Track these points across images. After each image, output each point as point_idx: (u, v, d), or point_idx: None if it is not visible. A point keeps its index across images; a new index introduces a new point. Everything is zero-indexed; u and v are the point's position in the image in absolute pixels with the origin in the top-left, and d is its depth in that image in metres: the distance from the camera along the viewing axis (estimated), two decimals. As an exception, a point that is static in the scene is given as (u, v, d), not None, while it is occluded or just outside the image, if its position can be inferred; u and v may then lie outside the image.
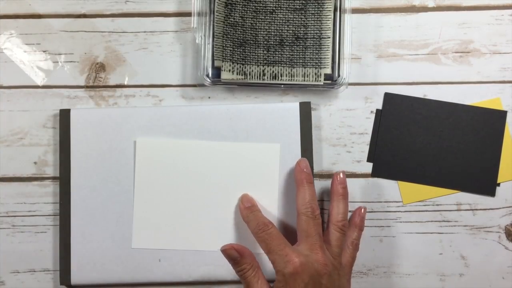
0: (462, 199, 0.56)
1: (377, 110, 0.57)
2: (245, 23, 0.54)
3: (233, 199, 0.55)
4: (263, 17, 0.54)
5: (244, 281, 0.49)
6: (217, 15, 0.54)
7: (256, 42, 0.54)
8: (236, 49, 0.54)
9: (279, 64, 0.54)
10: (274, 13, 0.54)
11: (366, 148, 0.57)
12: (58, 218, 0.55)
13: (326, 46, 0.55)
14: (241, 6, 0.54)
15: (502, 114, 0.57)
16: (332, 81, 0.55)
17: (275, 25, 0.54)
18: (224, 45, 0.54)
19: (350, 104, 0.57)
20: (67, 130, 0.56)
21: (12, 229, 0.56)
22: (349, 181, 0.56)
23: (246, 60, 0.54)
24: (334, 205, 0.52)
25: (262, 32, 0.54)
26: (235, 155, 0.55)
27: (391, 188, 0.56)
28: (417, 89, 0.57)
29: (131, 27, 0.58)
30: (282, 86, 0.55)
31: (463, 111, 0.57)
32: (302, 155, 0.55)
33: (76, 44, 0.58)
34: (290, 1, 0.54)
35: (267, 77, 0.54)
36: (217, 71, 0.55)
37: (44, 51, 0.58)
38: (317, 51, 0.54)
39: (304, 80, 0.54)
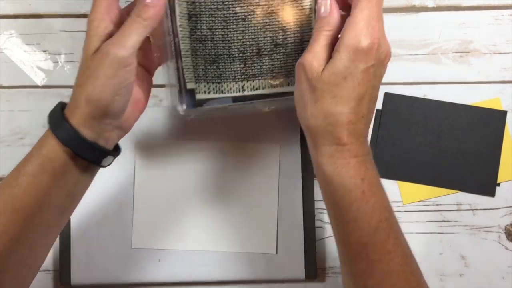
0: (462, 199, 0.56)
1: (377, 110, 0.57)
2: (215, 36, 0.46)
3: (233, 199, 0.55)
4: (234, 26, 0.46)
5: (313, 37, 0.41)
6: (181, 31, 0.46)
7: (231, 55, 0.46)
8: (209, 67, 0.47)
9: (259, 77, 0.47)
10: (246, 19, 0.46)
11: (366, 148, 0.57)
12: (58, 218, 0.55)
13: None
14: (207, 16, 0.46)
15: (502, 114, 0.57)
16: None
17: (250, 33, 0.46)
18: (195, 64, 0.47)
19: (350, 104, 0.57)
20: (67, 130, 0.55)
21: (12, 229, 0.56)
22: (349, 181, 0.56)
23: (222, 78, 0.47)
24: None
25: (235, 44, 0.46)
26: (235, 155, 0.55)
27: (391, 188, 0.56)
28: (417, 89, 0.57)
29: (131, 27, 0.58)
30: (268, 107, 0.48)
31: (463, 111, 0.57)
32: (302, 156, 0.55)
33: (76, 44, 0.58)
34: (264, 3, 0.46)
35: (247, 92, 0.47)
36: (191, 94, 0.47)
37: (44, 51, 0.58)
38: (299, 56, 0.46)
39: (289, 89, 0.47)
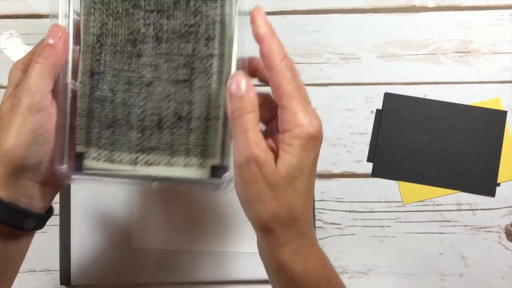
0: (462, 199, 0.56)
1: (377, 110, 0.57)
2: (115, 98, 0.42)
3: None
4: (137, 91, 0.43)
5: (240, 124, 0.38)
6: (81, 88, 0.42)
7: (129, 122, 0.42)
8: (103, 131, 0.43)
9: (156, 151, 0.43)
10: (151, 85, 0.43)
11: (366, 148, 0.57)
12: (58, 218, 0.55)
13: (215, 130, 0.42)
14: (111, 76, 0.43)
15: (502, 114, 0.57)
16: (218, 176, 0.42)
17: (153, 101, 0.43)
18: (89, 125, 0.43)
19: (350, 104, 0.57)
20: (67, 130, 0.55)
21: (12, 229, 0.56)
22: (349, 181, 0.57)
23: (116, 145, 0.43)
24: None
25: (136, 110, 0.43)
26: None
27: (391, 188, 0.56)
28: (417, 89, 0.57)
29: (131, 27, 0.58)
30: (157, 182, 0.43)
31: (463, 111, 0.57)
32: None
33: (76, 44, 0.58)
34: (172, 71, 0.43)
35: (139, 166, 0.43)
36: (78, 157, 0.43)
37: (44, 51, 0.58)
38: (203, 135, 0.43)
39: (185, 172, 0.43)
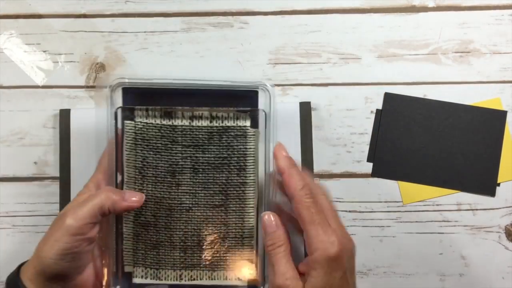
0: (462, 199, 0.56)
1: (377, 110, 0.57)
2: (158, 223, 0.48)
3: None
4: (178, 216, 0.48)
5: (272, 257, 0.43)
6: (126, 215, 0.48)
7: (172, 243, 0.48)
8: (149, 252, 0.48)
9: (198, 267, 0.48)
10: (191, 210, 0.48)
11: (366, 148, 0.57)
12: (58, 218, 0.55)
13: (250, 247, 0.49)
14: (153, 203, 0.48)
15: (502, 114, 0.57)
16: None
17: (192, 224, 0.48)
18: (135, 247, 0.48)
19: (350, 104, 0.57)
20: (67, 130, 0.55)
21: (12, 229, 0.56)
22: (349, 181, 0.57)
23: (161, 264, 0.48)
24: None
25: (178, 233, 0.48)
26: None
27: (391, 188, 0.56)
28: (417, 89, 0.57)
29: (131, 27, 0.58)
30: None
31: (463, 111, 0.57)
32: (302, 155, 0.55)
33: (76, 44, 0.58)
34: (209, 197, 0.48)
35: (185, 281, 0.48)
36: (127, 277, 0.49)
37: (44, 51, 0.58)
38: (239, 253, 0.49)
39: (226, 282, 0.49)
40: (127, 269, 0.48)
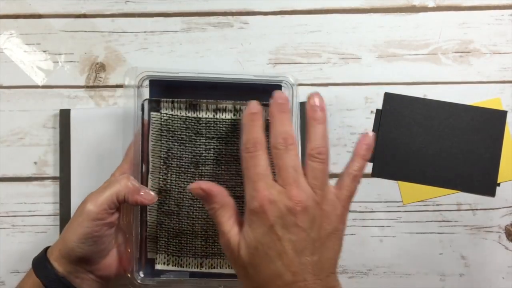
0: (462, 199, 0.56)
1: (377, 110, 0.57)
2: (181, 212, 0.49)
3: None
4: (200, 206, 0.49)
5: (215, 220, 0.43)
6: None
7: (194, 232, 0.49)
8: (171, 240, 0.50)
9: (218, 256, 0.50)
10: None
11: (366, 148, 0.57)
12: (58, 218, 0.55)
13: None
14: (176, 193, 0.49)
15: (502, 114, 0.57)
16: None
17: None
18: (158, 235, 0.50)
19: (350, 104, 0.57)
20: (67, 130, 0.56)
21: (12, 229, 0.56)
22: (349, 181, 0.56)
23: (183, 252, 0.50)
24: (309, 131, 0.45)
25: (200, 222, 0.49)
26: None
27: (391, 188, 0.56)
28: (417, 89, 0.57)
29: (131, 27, 0.58)
30: (222, 286, 0.51)
31: (463, 111, 0.57)
32: (302, 155, 0.55)
33: (76, 44, 0.58)
34: (230, 189, 0.49)
35: (205, 269, 0.50)
36: (150, 263, 0.50)
37: (44, 51, 0.58)
38: None
39: None
40: (150, 255, 0.50)
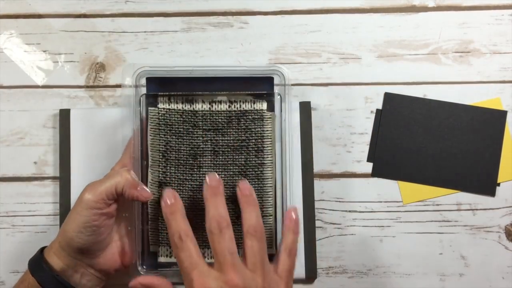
0: (462, 199, 0.56)
1: (377, 110, 0.57)
2: (183, 203, 0.48)
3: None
4: (200, 197, 0.49)
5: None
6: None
7: (195, 223, 0.48)
8: None
9: None
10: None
11: (366, 148, 0.57)
12: (58, 218, 0.55)
13: (269, 224, 0.51)
14: (176, 185, 0.50)
15: (502, 114, 0.57)
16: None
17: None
18: (160, 228, 0.50)
19: (350, 104, 0.57)
20: (67, 130, 0.55)
21: (12, 229, 0.56)
22: (349, 181, 0.57)
23: None
24: (243, 211, 0.46)
25: (200, 213, 0.49)
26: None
27: (391, 188, 0.56)
28: (417, 89, 0.57)
29: (131, 27, 0.58)
30: None
31: (463, 111, 0.57)
32: (302, 155, 0.55)
33: (76, 44, 0.58)
34: (229, 178, 0.50)
35: (207, 260, 0.50)
36: (153, 256, 0.51)
37: (44, 51, 0.58)
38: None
39: None
40: (152, 248, 0.50)
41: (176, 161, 0.50)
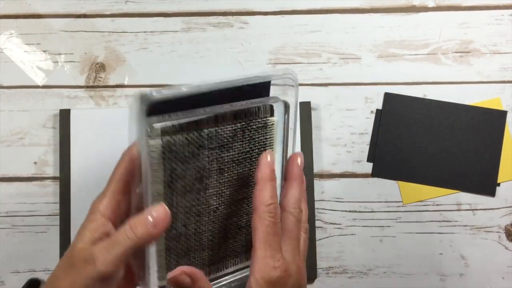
0: (462, 199, 0.56)
1: (377, 110, 0.57)
2: (188, 231, 0.46)
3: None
4: (206, 219, 0.46)
5: None
6: None
7: (201, 246, 0.46)
8: (180, 260, 0.46)
9: (224, 259, 0.48)
10: (217, 210, 0.47)
11: (366, 148, 0.57)
12: (58, 218, 0.55)
13: None
14: (182, 214, 0.45)
15: (502, 114, 0.57)
16: None
17: (219, 223, 0.47)
18: (168, 261, 0.46)
19: (350, 104, 0.57)
20: (67, 130, 0.56)
21: (12, 229, 0.56)
22: (349, 181, 0.57)
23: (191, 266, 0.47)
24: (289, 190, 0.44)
25: (206, 234, 0.46)
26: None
27: (391, 188, 0.56)
28: (417, 89, 0.57)
29: (131, 27, 0.58)
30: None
31: (463, 111, 0.57)
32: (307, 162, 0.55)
33: (76, 44, 0.58)
34: (234, 194, 0.47)
35: (212, 276, 0.48)
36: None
37: (44, 51, 0.58)
38: None
39: (247, 263, 0.48)
40: (160, 283, 0.46)
41: (182, 188, 0.45)
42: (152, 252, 0.45)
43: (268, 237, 0.41)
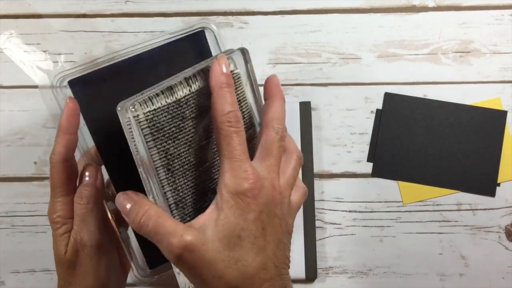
0: (462, 199, 0.56)
1: (377, 110, 0.57)
2: (201, 210, 0.43)
3: None
4: (209, 186, 0.44)
5: (148, 229, 0.37)
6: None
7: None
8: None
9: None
10: (213, 167, 0.44)
11: (366, 148, 0.57)
12: (58, 218, 0.55)
13: None
14: (192, 195, 0.43)
15: (502, 114, 0.57)
16: None
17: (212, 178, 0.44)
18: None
19: (350, 104, 0.57)
20: (67, 130, 0.55)
21: (12, 229, 0.56)
22: (349, 181, 0.57)
23: None
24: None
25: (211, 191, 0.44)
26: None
27: (391, 188, 0.56)
28: (417, 89, 0.57)
29: (131, 27, 0.58)
30: None
31: (463, 111, 0.57)
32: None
33: (76, 44, 0.58)
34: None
35: None
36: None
37: (44, 51, 0.58)
38: None
39: None
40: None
41: (181, 168, 0.41)
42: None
43: (230, 148, 0.36)
